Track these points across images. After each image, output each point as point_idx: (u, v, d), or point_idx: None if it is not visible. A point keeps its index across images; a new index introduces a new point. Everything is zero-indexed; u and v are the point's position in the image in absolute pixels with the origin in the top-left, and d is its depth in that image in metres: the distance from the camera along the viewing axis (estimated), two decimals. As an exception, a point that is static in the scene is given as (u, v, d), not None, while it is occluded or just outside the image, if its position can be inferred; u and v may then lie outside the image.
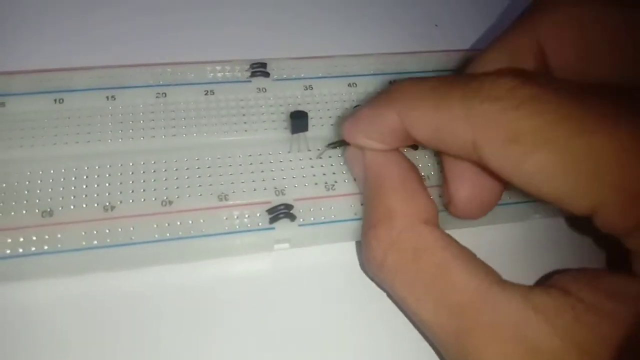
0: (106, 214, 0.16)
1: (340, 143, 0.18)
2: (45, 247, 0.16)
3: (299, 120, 0.18)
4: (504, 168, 0.13)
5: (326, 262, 0.18)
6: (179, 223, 0.17)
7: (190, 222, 0.17)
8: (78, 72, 0.19)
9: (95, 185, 0.17)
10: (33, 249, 0.16)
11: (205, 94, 0.19)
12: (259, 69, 0.20)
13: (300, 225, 0.17)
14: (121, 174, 0.17)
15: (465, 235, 0.18)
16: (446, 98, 0.13)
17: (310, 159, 0.18)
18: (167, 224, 0.17)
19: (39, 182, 0.17)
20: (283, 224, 0.17)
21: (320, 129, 0.19)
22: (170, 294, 0.17)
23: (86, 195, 0.17)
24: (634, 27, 0.14)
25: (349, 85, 0.21)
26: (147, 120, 0.19)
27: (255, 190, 0.18)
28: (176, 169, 0.18)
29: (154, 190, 0.17)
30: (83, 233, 0.16)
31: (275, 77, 0.20)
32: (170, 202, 0.17)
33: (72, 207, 0.17)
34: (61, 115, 0.18)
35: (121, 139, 0.18)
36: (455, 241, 0.15)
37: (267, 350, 0.16)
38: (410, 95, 0.14)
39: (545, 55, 0.15)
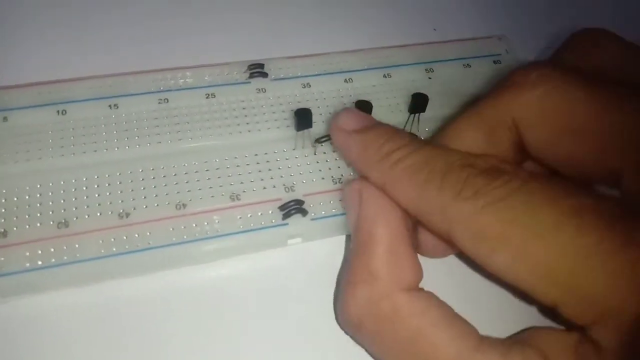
0: (121, 221, 0.17)
1: (328, 137, 0.19)
2: (65, 258, 0.16)
3: (303, 118, 0.18)
4: (475, 258, 0.14)
5: (337, 254, 0.18)
6: (194, 225, 0.17)
7: (206, 223, 0.17)
8: (78, 83, 0.19)
9: (108, 194, 0.17)
10: (52, 260, 0.16)
11: (207, 97, 0.20)
12: (257, 70, 0.21)
13: (312, 219, 0.18)
14: (132, 181, 0.18)
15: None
16: (425, 187, 0.14)
17: (315, 154, 0.19)
18: (183, 227, 0.17)
19: (51, 194, 0.17)
20: (296, 220, 0.18)
21: (321, 125, 0.20)
22: (192, 295, 0.17)
23: (100, 204, 0.17)
24: (609, 113, 0.14)
25: (346, 80, 0.21)
26: (152, 126, 0.19)
27: (265, 188, 0.18)
28: (186, 173, 0.18)
29: (167, 194, 0.17)
30: (101, 241, 0.16)
31: (273, 77, 0.21)
32: (184, 205, 0.17)
33: (86, 216, 0.17)
34: (65, 127, 0.18)
35: (128, 146, 0.18)
36: (436, 302, 0.14)
37: (288, 345, 0.16)
38: (395, 171, 0.15)
39: (520, 131, 0.16)
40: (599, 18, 0.26)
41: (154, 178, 0.18)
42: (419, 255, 0.16)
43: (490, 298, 0.18)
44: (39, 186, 0.17)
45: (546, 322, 0.17)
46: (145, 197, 0.17)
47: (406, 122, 0.20)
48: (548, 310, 0.14)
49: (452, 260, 0.18)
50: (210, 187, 0.18)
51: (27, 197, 0.17)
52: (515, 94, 0.15)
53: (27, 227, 0.16)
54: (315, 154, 0.19)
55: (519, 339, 0.14)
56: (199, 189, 0.18)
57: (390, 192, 0.15)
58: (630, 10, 0.27)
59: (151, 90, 0.20)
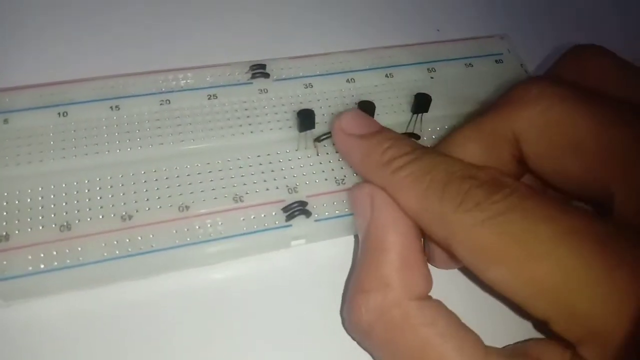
0: (124, 223, 0.17)
1: (328, 135, 0.19)
2: (67, 261, 0.16)
3: (306, 119, 0.18)
4: (473, 269, 0.14)
5: (340, 255, 0.18)
6: (197, 227, 0.17)
7: (209, 225, 0.17)
8: (80, 84, 0.19)
9: (110, 196, 0.17)
10: (55, 263, 0.16)
11: (209, 98, 0.20)
12: (259, 71, 0.20)
13: (316, 220, 0.18)
14: (134, 183, 0.17)
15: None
16: (426, 196, 0.14)
17: (318, 155, 0.19)
18: (186, 229, 0.17)
19: (52, 196, 0.17)
20: (299, 221, 0.17)
21: (324, 125, 0.20)
22: (195, 297, 0.17)
23: (102, 207, 0.17)
24: (605, 130, 0.14)
25: (348, 81, 0.21)
26: (154, 127, 0.19)
27: (268, 190, 0.18)
28: (188, 174, 0.18)
29: (169, 196, 0.17)
30: (103, 244, 0.16)
31: (275, 77, 0.21)
32: (187, 207, 0.17)
33: (89, 219, 0.17)
34: (67, 129, 0.18)
35: (130, 148, 0.18)
36: (444, 312, 0.15)
37: (293, 347, 0.16)
38: (397, 178, 0.15)
39: (520, 146, 0.16)
40: (599, 18, 0.27)
41: (156, 180, 0.18)
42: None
43: (494, 306, 0.18)
44: (40, 189, 0.17)
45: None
46: (147, 200, 0.17)
47: (409, 122, 0.20)
48: (540, 324, 0.14)
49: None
50: (213, 189, 0.18)
51: (28, 200, 0.17)
52: (517, 108, 0.16)
53: (29, 230, 0.16)
54: (318, 155, 0.19)
55: (521, 351, 0.14)
56: (202, 191, 0.18)
57: (392, 198, 0.15)
58: (631, 8, 0.27)
59: (153, 91, 0.19)
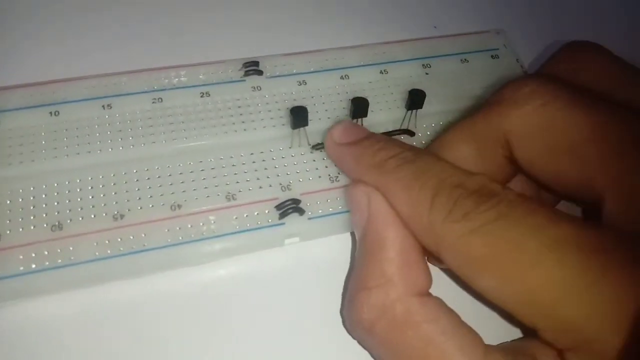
0: (116, 222, 0.17)
1: (323, 145, 0.18)
2: (59, 261, 0.16)
3: (299, 116, 0.18)
4: (462, 277, 0.14)
5: (335, 253, 0.18)
6: (190, 226, 0.17)
7: (202, 224, 0.17)
8: (71, 83, 0.19)
9: (102, 195, 0.17)
10: (46, 263, 0.16)
11: (201, 96, 0.20)
12: (252, 68, 0.20)
13: (309, 218, 0.17)
14: (126, 182, 0.17)
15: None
16: (416, 205, 0.14)
17: (312, 152, 0.19)
18: (178, 228, 0.17)
19: (44, 196, 0.17)
20: (292, 219, 0.17)
21: (318, 122, 0.19)
22: (188, 297, 0.17)
23: (94, 206, 0.17)
24: (601, 131, 0.14)
25: (342, 77, 0.21)
26: (146, 126, 0.19)
27: (261, 187, 0.18)
28: (181, 173, 0.18)
29: (162, 195, 0.17)
30: (95, 244, 0.16)
31: (268, 74, 0.20)
32: (179, 206, 0.17)
33: (80, 218, 0.17)
34: (59, 128, 0.18)
35: (122, 147, 0.18)
36: (445, 309, 0.15)
37: (287, 345, 0.16)
38: (389, 180, 0.15)
39: (511, 146, 0.16)
40: (599, 12, 0.26)
41: (148, 179, 0.18)
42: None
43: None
44: (32, 189, 0.17)
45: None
46: (139, 199, 0.17)
47: (403, 119, 0.20)
48: (530, 331, 0.14)
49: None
50: (206, 187, 0.18)
51: (20, 200, 0.17)
52: (507, 108, 0.16)
53: (21, 230, 0.16)
54: (311, 152, 0.19)
55: (519, 349, 0.14)
56: (194, 189, 0.17)
57: (387, 195, 0.15)
58: (629, 2, 0.27)
59: (145, 89, 0.19)
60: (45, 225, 0.16)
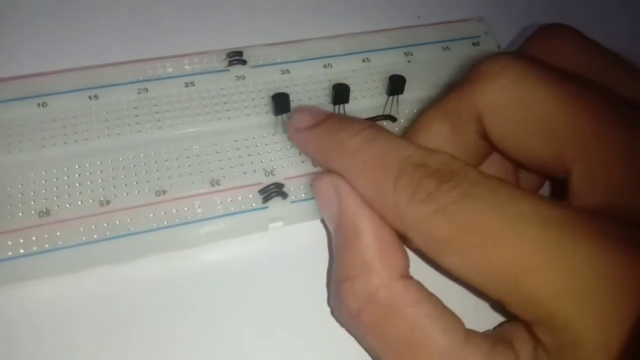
0: (102, 208, 0.17)
1: None
2: (47, 246, 0.16)
3: (280, 102, 0.18)
4: (428, 255, 0.14)
5: (318, 237, 0.19)
6: (174, 210, 0.17)
7: (186, 208, 0.17)
8: (58, 75, 0.19)
9: (89, 182, 0.17)
10: (34, 248, 0.16)
11: (186, 86, 0.20)
12: (236, 58, 0.21)
13: (292, 202, 0.18)
14: (112, 169, 0.18)
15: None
16: (381, 187, 0.14)
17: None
18: (163, 213, 0.17)
19: (32, 184, 0.17)
20: (276, 203, 0.18)
21: (301, 109, 0.20)
22: (173, 281, 0.17)
23: (80, 193, 0.17)
24: (566, 108, 0.14)
25: (325, 66, 0.21)
26: (132, 116, 0.19)
27: (245, 173, 0.18)
28: (166, 160, 0.18)
29: (147, 181, 0.18)
30: (82, 229, 0.16)
31: (252, 64, 0.21)
32: (164, 192, 0.17)
33: (67, 205, 0.17)
34: (46, 119, 0.19)
35: (108, 135, 0.18)
36: (427, 295, 0.15)
37: (270, 332, 0.17)
38: (353, 163, 0.15)
39: (483, 122, 0.16)
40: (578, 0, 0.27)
41: (134, 166, 0.18)
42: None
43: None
44: (20, 177, 0.17)
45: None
46: (125, 185, 0.17)
47: (385, 105, 0.20)
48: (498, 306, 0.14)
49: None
50: (191, 174, 0.18)
51: (8, 188, 0.17)
52: (479, 85, 0.16)
53: (9, 217, 0.16)
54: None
55: (498, 334, 0.15)
56: (179, 176, 0.18)
57: (349, 179, 0.15)
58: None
59: (131, 80, 0.20)
60: (33, 212, 0.17)
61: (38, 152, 0.18)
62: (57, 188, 0.17)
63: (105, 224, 0.17)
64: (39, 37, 0.21)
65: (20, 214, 0.17)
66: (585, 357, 0.12)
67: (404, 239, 0.15)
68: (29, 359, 0.15)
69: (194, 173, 0.18)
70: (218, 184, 0.18)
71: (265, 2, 0.24)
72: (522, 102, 0.15)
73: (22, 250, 0.16)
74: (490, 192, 0.13)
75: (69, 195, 0.17)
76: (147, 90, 0.20)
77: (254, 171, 0.18)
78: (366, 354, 0.16)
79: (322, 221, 0.19)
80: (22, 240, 0.16)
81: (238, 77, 0.20)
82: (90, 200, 0.17)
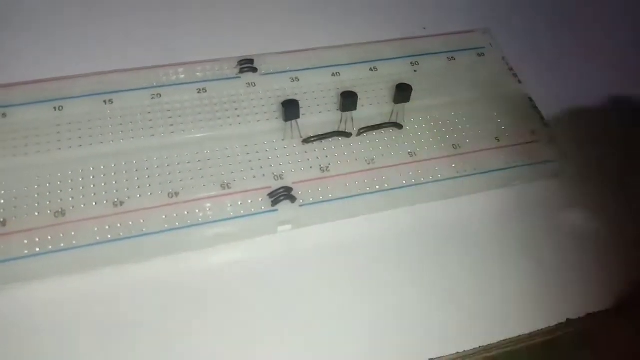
0: (116, 209, 0.17)
1: (316, 137, 0.19)
2: (62, 245, 0.16)
3: (291, 108, 0.19)
4: None
5: (326, 241, 0.19)
6: (186, 212, 0.18)
7: (197, 210, 0.18)
8: (74, 80, 0.20)
9: (103, 184, 0.18)
10: (49, 247, 0.16)
11: (198, 92, 0.20)
12: (247, 65, 0.21)
13: (300, 205, 0.18)
14: (126, 172, 0.18)
15: (446, 205, 0.20)
16: None
17: (303, 144, 0.20)
18: (175, 214, 0.17)
19: (48, 185, 0.18)
20: (284, 206, 0.18)
21: (310, 116, 0.20)
22: (184, 281, 0.17)
23: (95, 194, 0.18)
24: None
25: (333, 74, 0.22)
26: (145, 120, 0.19)
27: (255, 177, 0.19)
28: (178, 163, 0.19)
29: (160, 184, 0.18)
30: (96, 229, 0.17)
31: (263, 72, 0.21)
32: (177, 194, 0.18)
33: (82, 205, 0.17)
34: (62, 122, 0.19)
35: (122, 139, 0.19)
36: None
37: (279, 333, 0.17)
38: None
39: None
40: (582, 11, 0.27)
41: (147, 169, 0.18)
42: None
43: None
44: (37, 178, 0.18)
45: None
46: (139, 187, 0.18)
47: (392, 113, 0.21)
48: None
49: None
50: (202, 177, 0.18)
51: (25, 189, 0.17)
52: None
53: (26, 216, 0.17)
54: (303, 145, 0.20)
55: None
56: (191, 179, 0.18)
57: None
58: (610, 4, 0.28)
59: (144, 86, 0.20)
60: (48, 212, 0.17)
61: (54, 154, 0.18)
62: (72, 189, 0.18)
63: (119, 225, 0.17)
64: (58, 44, 0.22)
65: (37, 214, 0.17)
66: None
67: None
68: (45, 353, 0.16)
69: (205, 176, 0.18)
70: (229, 187, 0.18)
71: (276, 12, 0.24)
72: None
73: (37, 249, 0.16)
74: None
75: (83, 196, 0.18)
76: (160, 96, 0.20)
77: (264, 175, 0.19)
78: (373, 357, 0.17)
79: (330, 225, 0.19)
80: (37, 239, 0.16)
81: (249, 84, 0.21)
82: (105, 202, 0.17)
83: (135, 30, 0.23)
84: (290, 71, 0.22)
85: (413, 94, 0.20)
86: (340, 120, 0.20)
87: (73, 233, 0.17)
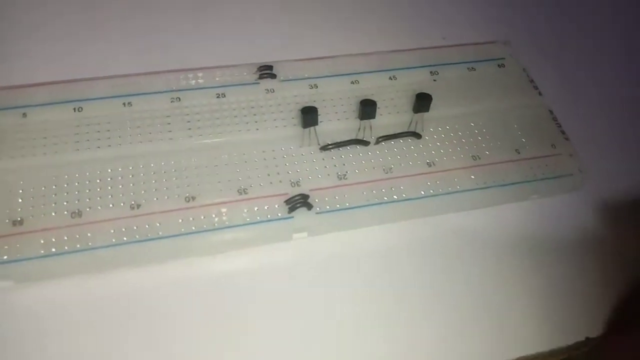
0: (133, 211, 0.17)
1: (334, 145, 0.19)
2: (77, 246, 0.16)
3: (309, 115, 0.19)
4: None
5: (341, 250, 0.19)
6: (202, 217, 0.17)
7: (213, 215, 0.18)
8: (95, 82, 0.20)
9: (120, 186, 0.18)
10: (65, 248, 0.16)
11: (217, 97, 0.20)
12: (266, 72, 0.21)
13: (317, 213, 0.18)
14: (143, 174, 0.18)
15: (463, 217, 0.19)
16: None
17: (321, 152, 0.19)
18: (191, 218, 0.17)
19: (66, 185, 0.18)
20: (301, 213, 0.18)
21: (328, 123, 0.20)
22: (198, 285, 0.17)
23: (112, 196, 0.18)
24: None
25: (352, 82, 0.22)
26: (164, 123, 0.19)
27: (271, 183, 0.19)
28: (196, 168, 0.19)
29: (177, 187, 0.18)
30: (112, 231, 0.17)
31: (282, 78, 0.21)
32: (193, 198, 0.18)
33: (99, 207, 0.17)
34: (81, 123, 0.19)
35: (140, 142, 0.19)
36: None
37: (287, 342, 0.17)
38: None
39: None
40: (599, 23, 0.27)
41: (164, 172, 0.18)
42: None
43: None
44: (54, 178, 0.18)
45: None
46: (155, 190, 0.18)
47: (410, 122, 0.20)
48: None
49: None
50: (219, 182, 0.18)
51: (43, 189, 0.17)
52: None
53: (43, 216, 0.17)
54: (321, 152, 0.19)
55: None
56: (208, 183, 0.18)
57: None
58: (631, 13, 0.27)
59: (164, 89, 0.20)
60: (65, 212, 0.17)
61: (72, 154, 0.18)
62: (89, 190, 0.18)
63: (135, 227, 0.17)
64: (77, 45, 0.22)
65: (53, 214, 0.17)
66: None
67: None
68: (59, 350, 0.16)
69: (222, 181, 0.18)
70: (245, 193, 0.18)
71: (296, 20, 0.24)
72: None
73: (53, 249, 0.16)
74: None
75: (100, 197, 0.17)
76: (179, 100, 0.20)
77: (280, 182, 0.19)
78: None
79: (346, 234, 0.19)
80: (54, 240, 0.16)
81: (268, 90, 0.21)
82: (122, 204, 0.17)
83: (156, 33, 0.23)
84: (309, 78, 0.21)
85: (432, 103, 0.20)
86: (359, 129, 0.20)
87: (89, 234, 0.17)
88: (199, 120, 0.20)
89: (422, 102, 0.20)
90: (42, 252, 0.16)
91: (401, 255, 0.19)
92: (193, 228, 0.17)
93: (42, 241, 0.16)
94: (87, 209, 0.17)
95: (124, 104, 0.20)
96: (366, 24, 0.25)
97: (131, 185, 0.18)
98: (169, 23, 0.23)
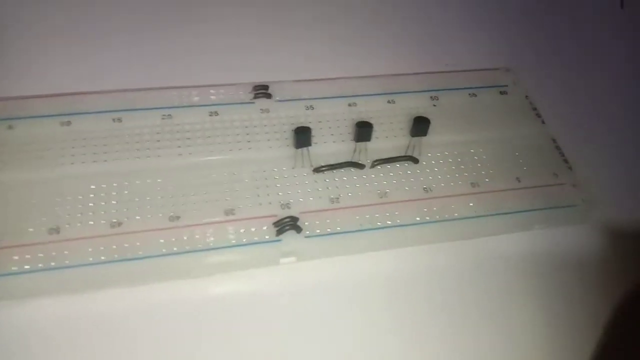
0: (113, 229, 0.17)
1: (327, 167, 0.19)
2: (52, 264, 0.16)
3: (302, 135, 0.18)
4: None
5: (330, 277, 0.18)
6: (185, 238, 0.17)
7: (197, 236, 0.17)
8: (85, 96, 0.19)
9: (102, 203, 0.17)
10: (40, 265, 0.16)
11: (210, 115, 0.20)
12: (262, 91, 0.21)
13: (306, 237, 0.17)
14: (127, 192, 0.18)
15: (466, 246, 0.19)
16: None
17: (314, 173, 0.19)
18: (173, 239, 0.17)
19: (45, 201, 0.17)
20: (289, 236, 0.17)
21: (322, 145, 0.20)
22: (177, 310, 0.16)
23: (93, 213, 0.17)
24: None
25: (349, 105, 0.21)
26: (153, 140, 0.19)
27: (260, 204, 0.18)
28: (183, 186, 0.18)
29: (161, 206, 0.17)
30: (90, 249, 0.16)
31: (277, 98, 0.21)
32: (178, 217, 0.17)
33: (78, 224, 0.17)
34: (68, 137, 0.19)
35: (127, 158, 0.18)
36: None
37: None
38: None
39: None
40: (604, 51, 0.27)
41: (150, 190, 0.18)
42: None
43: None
44: (33, 193, 0.17)
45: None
46: (138, 208, 0.17)
47: (408, 146, 0.20)
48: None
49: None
50: (206, 202, 0.18)
51: (19, 204, 0.17)
52: None
53: (18, 232, 0.16)
54: (313, 174, 0.19)
55: None
56: (194, 203, 0.18)
57: None
58: (638, 38, 0.27)
59: (155, 106, 0.20)
60: (42, 228, 0.16)
61: (54, 169, 0.18)
62: (69, 206, 0.17)
63: (114, 246, 0.16)
64: (69, 58, 0.22)
65: (30, 230, 0.16)
66: None
67: None
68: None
69: (210, 201, 0.18)
70: (232, 214, 0.17)
71: (295, 41, 0.24)
72: None
73: (27, 267, 0.16)
74: None
75: (81, 214, 0.17)
76: (171, 117, 0.20)
77: (270, 203, 0.18)
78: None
79: (337, 260, 0.18)
80: (28, 256, 0.16)
81: (262, 109, 0.20)
82: (102, 221, 0.17)
83: (149, 50, 0.22)
84: (306, 99, 0.21)
85: (431, 128, 0.20)
86: (354, 151, 0.19)
87: (66, 252, 0.16)
88: (189, 139, 0.19)
89: (419, 125, 0.19)
90: (15, 268, 0.15)
91: (395, 284, 0.18)
92: (175, 249, 0.16)
93: (15, 257, 0.16)
94: (66, 226, 0.16)
95: (113, 119, 0.19)
96: (367, 48, 0.24)
97: (113, 202, 0.17)
98: (164, 40, 0.23)
